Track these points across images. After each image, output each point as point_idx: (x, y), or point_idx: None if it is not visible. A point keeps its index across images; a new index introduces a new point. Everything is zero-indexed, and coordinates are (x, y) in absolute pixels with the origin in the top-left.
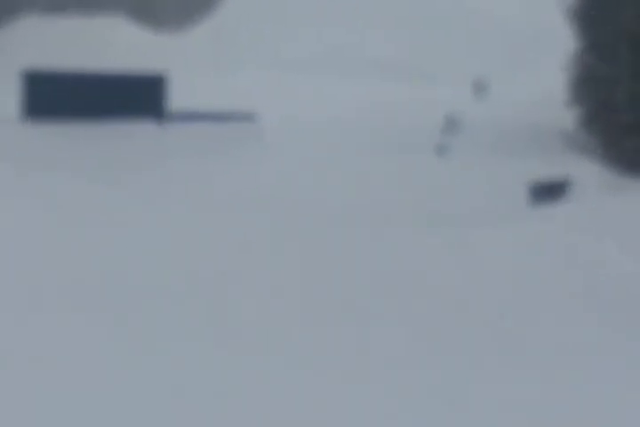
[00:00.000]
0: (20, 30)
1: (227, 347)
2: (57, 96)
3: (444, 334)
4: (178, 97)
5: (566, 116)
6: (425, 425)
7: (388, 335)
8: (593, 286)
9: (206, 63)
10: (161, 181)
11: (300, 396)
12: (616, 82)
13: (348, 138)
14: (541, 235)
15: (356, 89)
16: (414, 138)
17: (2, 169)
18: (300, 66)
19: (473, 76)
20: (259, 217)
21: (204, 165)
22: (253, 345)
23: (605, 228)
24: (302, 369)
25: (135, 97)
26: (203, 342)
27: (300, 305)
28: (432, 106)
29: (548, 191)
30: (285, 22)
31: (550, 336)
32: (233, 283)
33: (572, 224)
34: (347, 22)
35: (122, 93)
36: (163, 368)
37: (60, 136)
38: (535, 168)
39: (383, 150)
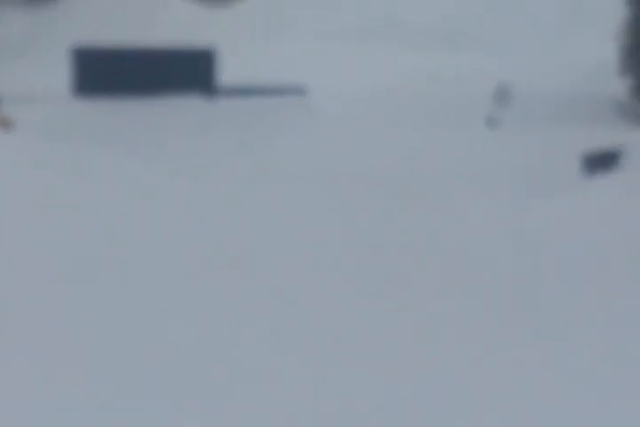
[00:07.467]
0: (69, 5)
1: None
2: (106, 72)
3: (497, 307)
4: (227, 71)
5: (619, 86)
6: None
7: (440, 306)
8: None
9: (255, 35)
10: (212, 155)
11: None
12: None
13: (398, 109)
14: (595, 205)
15: (402, 58)
16: (464, 109)
17: (53, 146)
18: (346, 35)
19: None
20: (314, 189)
21: (255, 139)
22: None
23: None
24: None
25: (185, 71)
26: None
27: (355, 277)
28: (480, 75)
29: (601, 161)
30: None
31: (614, 309)
32: (292, 256)
33: (626, 193)
34: None
35: (171, 68)
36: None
37: (110, 112)
38: (587, 138)
39: (433, 122)
